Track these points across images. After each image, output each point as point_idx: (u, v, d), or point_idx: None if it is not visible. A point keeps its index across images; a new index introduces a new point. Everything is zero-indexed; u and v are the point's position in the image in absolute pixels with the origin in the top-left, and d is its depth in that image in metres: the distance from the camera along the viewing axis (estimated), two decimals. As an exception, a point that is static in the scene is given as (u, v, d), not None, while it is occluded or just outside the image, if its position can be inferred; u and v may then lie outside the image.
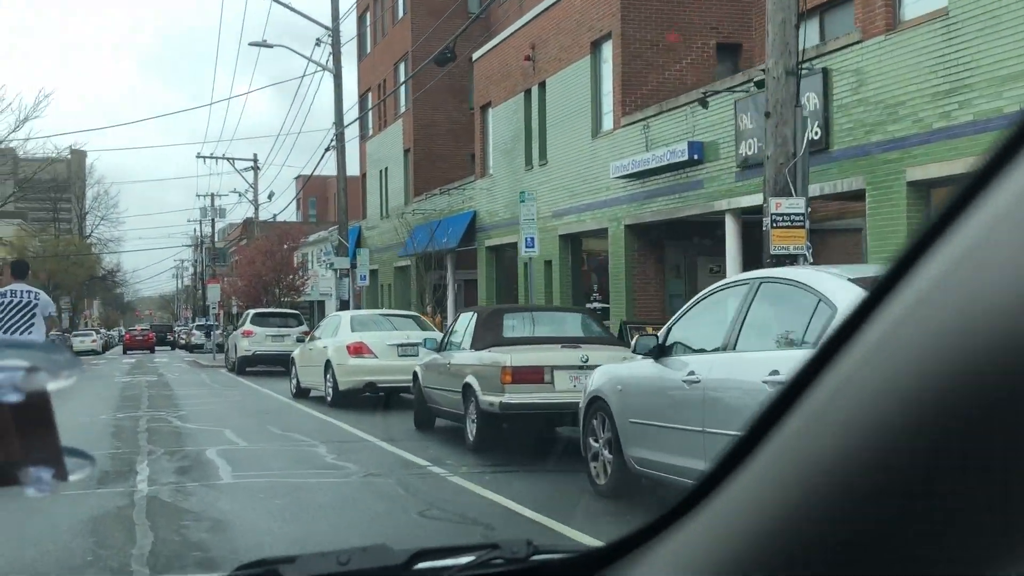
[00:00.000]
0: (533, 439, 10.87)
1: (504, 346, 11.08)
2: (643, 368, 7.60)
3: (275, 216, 55.80)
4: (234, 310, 59.27)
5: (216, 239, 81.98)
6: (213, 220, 71.86)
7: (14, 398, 0.85)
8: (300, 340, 24.12)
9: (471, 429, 11.14)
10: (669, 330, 7.52)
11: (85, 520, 7.40)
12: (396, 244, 34.92)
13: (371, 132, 39.56)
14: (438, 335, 17.34)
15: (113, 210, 73.14)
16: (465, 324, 12.37)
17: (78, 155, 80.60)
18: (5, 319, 10.62)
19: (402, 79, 35.05)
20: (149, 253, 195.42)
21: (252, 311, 30.02)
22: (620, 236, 19.92)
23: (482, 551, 1.33)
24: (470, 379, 11.14)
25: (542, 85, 23.66)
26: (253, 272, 38.11)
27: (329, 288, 35.44)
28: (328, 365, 17.42)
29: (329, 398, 17.32)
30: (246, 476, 9.48)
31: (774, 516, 0.80)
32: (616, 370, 8.20)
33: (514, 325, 11.75)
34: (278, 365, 28.83)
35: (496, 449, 10.75)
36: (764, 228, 10.32)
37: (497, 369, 10.51)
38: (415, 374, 13.79)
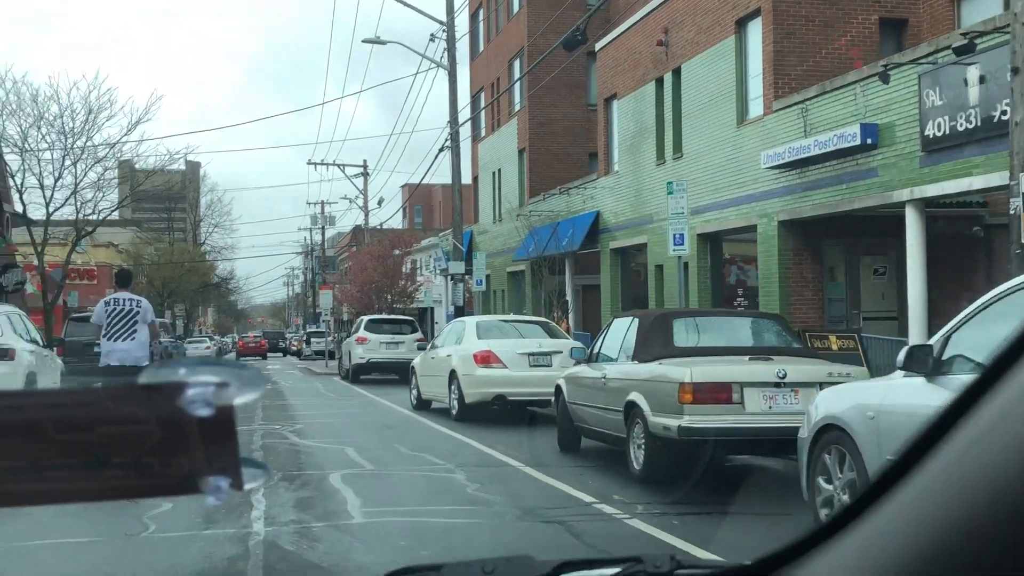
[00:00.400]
0: (714, 470, 8.98)
1: (677, 357, 9.22)
2: (910, 390, 5.66)
3: (382, 224, 55.01)
4: (344, 317, 58.67)
5: (325, 247, 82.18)
6: (323, 228, 71.67)
7: (205, 412, 0.88)
8: (420, 348, 22.69)
9: (636, 456, 9.29)
10: (947, 339, 5.56)
11: (188, 578, 5.84)
12: (509, 248, 33.39)
13: (483, 134, 38.11)
14: (578, 344, 15.53)
15: (226, 218, 73.42)
16: (622, 331, 10.54)
17: (192, 165, 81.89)
18: (111, 326, 10.97)
19: (517, 76, 33.49)
20: (260, 261, 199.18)
21: (366, 317, 28.77)
22: (772, 233, 17.81)
23: (626, 564, 1.32)
24: (635, 397, 9.30)
25: (676, 71, 21.69)
26: (365, 278, 36.94)
27: (440, 294, 34.06)
28: (453, 375, 15.84)
29: (454, 411, 15.72)
30: (380, 512, 7.85)
31: (934, 534, 0.77)
32: (863, 391, 6.27)
33: (686, 332, 9.87)
34: (392, 373, 27.68)
35: (669, 481, 8.88)
36: (1011, 211, 8.23)
37: (673, 386, 8.65)
38: (558, 388, 12.03)
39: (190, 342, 59.13)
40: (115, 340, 10.94)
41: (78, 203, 30.73)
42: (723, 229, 19.96)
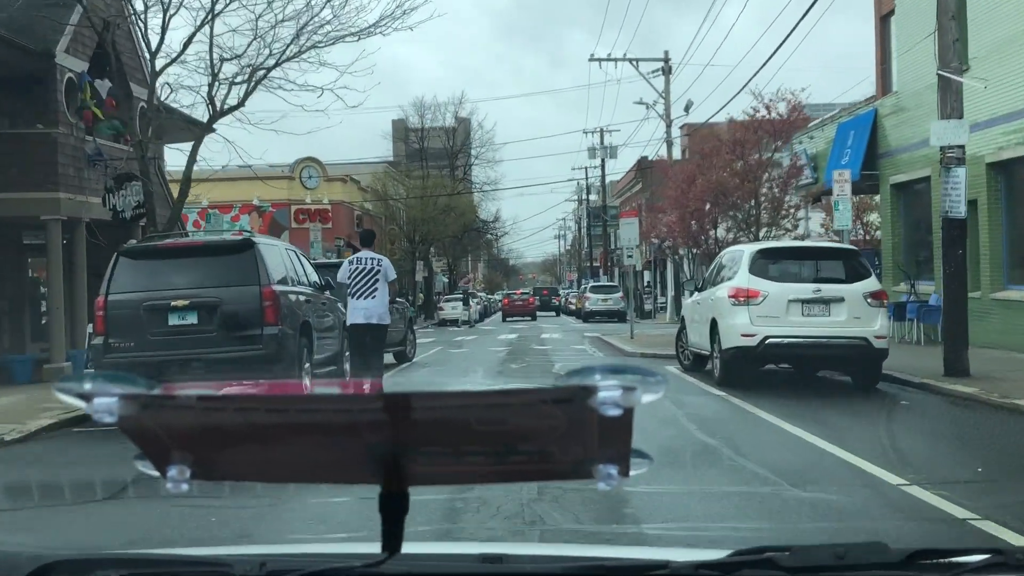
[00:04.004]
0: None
1: None
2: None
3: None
4: (637, 265, 43.22)
5: (598, 195, 67.68)
6: (603, 160, 56.61)
7: (613, 413, 0.94)
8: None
9: None
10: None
11: None
12: (985, 122, 16.56)
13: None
14: None
15: (488, 147, 59.48)
16: None
17: (463, 123, 69.79)
18: (354, 284, 11.17)
19: None
20: (527, 205, 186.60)
21: (749, 248, 12.93)
22: None
23: (985, 556, 1.27)
24: None
25: None
26: (699, 191, 20.95)
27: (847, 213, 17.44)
28: None
29: None
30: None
31: None
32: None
33: None
34: (812, 364, 12.10)
35: None
36: None
37: None
38: None
39: (447, 300, 45.97)
40: (358, 298, 11.13)
41: (215, 64, 16.82)
42: None
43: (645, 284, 46.25)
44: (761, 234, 19.15)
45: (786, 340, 11.71)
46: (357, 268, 11.19)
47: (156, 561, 1.47)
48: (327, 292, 13.21)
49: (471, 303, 44.90)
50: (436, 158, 59.80)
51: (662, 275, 54.35)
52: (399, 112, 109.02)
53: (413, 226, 43.70)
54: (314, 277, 12.86)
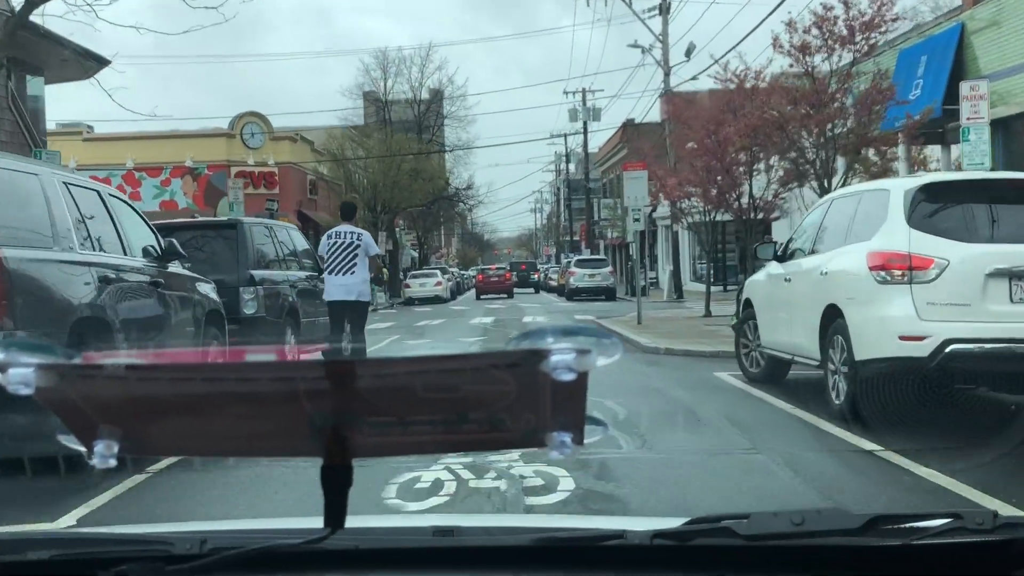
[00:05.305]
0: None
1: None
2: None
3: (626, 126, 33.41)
4: (630, 236, 37.79)
5: (577, 165, 62.13)
6: (585, 122, 51.07)
7: (567, 377, 0.86)
8: None
9: None
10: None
11: None
12: None
13: None
14: None
15: (460, 103, 53.20)
16: None
17: (436, 95, 63.68)
18: (332, 259, 10.62)
19: None
20: (503, 176, 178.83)
21: (903, 184, 7.40)
22: None
23: (943, 520, 1.23)
24: None
25: None
26: (739, 127, 15.50)
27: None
28: None
29: None
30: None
31: None
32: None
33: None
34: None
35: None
36: None
37: None
38: None
39: (414, 276, 40.40)
40: (336, 274, 10.58)
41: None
42: None
43: (629, 257, 40.96)
44: (835, 183, 13.71)
45: (987, 348, 6.31)
46: (336, 243, 10.60)
47: (93, 540, 1.39)
48: (174, 265, 7.71)
49: (443, 280, 39.36)
50: (406, 129, 53.85)
51: (651, 248, 49.17)
52: (359, 65, 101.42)
53: (374, 192, 37.95)
54: (139, 239, 7.32)
